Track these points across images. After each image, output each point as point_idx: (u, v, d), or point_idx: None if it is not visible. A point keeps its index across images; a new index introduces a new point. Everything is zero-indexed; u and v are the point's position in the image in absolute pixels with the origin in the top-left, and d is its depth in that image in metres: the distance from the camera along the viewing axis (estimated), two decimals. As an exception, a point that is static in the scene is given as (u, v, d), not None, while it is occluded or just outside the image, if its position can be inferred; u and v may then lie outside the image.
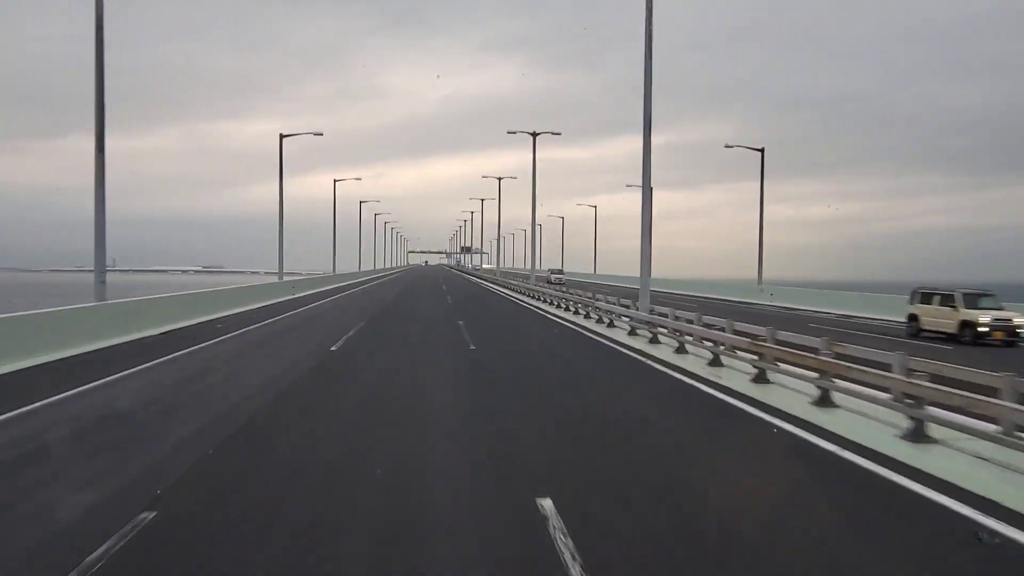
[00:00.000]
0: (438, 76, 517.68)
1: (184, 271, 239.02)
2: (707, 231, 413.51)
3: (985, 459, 7.87)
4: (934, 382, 8.61)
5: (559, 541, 5.57)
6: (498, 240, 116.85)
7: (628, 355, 17.80)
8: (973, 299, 22.99)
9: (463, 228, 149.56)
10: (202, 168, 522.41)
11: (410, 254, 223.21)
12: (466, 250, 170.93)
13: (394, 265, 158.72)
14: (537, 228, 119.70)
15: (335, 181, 68.63)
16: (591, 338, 21.94)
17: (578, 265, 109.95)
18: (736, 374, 13.85)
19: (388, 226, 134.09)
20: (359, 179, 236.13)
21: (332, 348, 18.41)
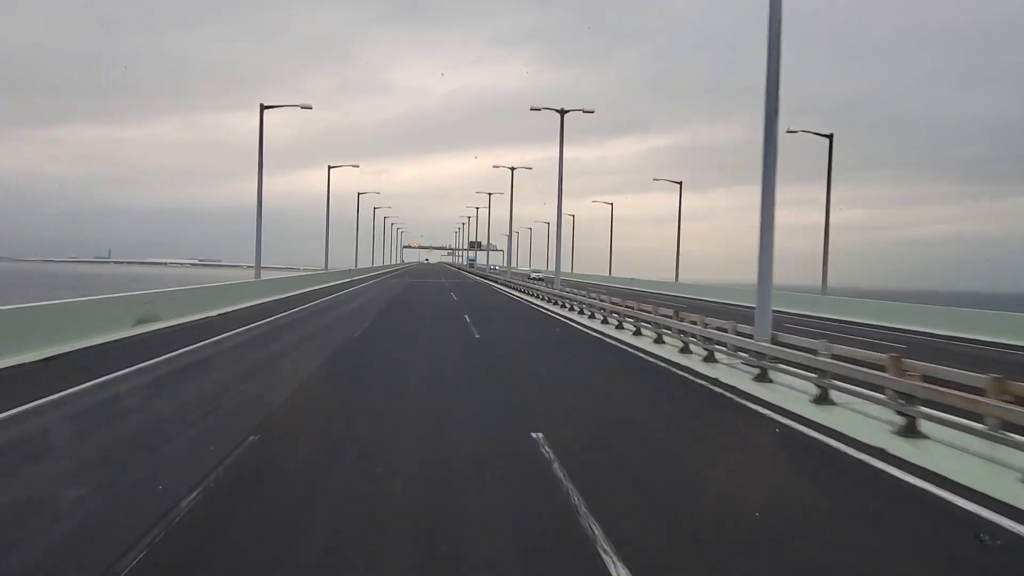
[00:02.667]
0: (442, 74, 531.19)
1: (181, 264, 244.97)
2: (707, 234, 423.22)
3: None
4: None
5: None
6: (509, 236, 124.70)
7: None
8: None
9: (468, 223, 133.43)
10: (200, 159, 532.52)
11: (406, 250, 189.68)
12: (475, 245, 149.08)
13: (389, 263, 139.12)
14: (529, 231, 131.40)
15: (329, 168, 62.27)
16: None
17: (564, 265, 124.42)
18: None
19: (386, 220, 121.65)
20: (359, 168, 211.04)
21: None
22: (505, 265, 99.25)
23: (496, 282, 70.07)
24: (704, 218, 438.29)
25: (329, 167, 59.01)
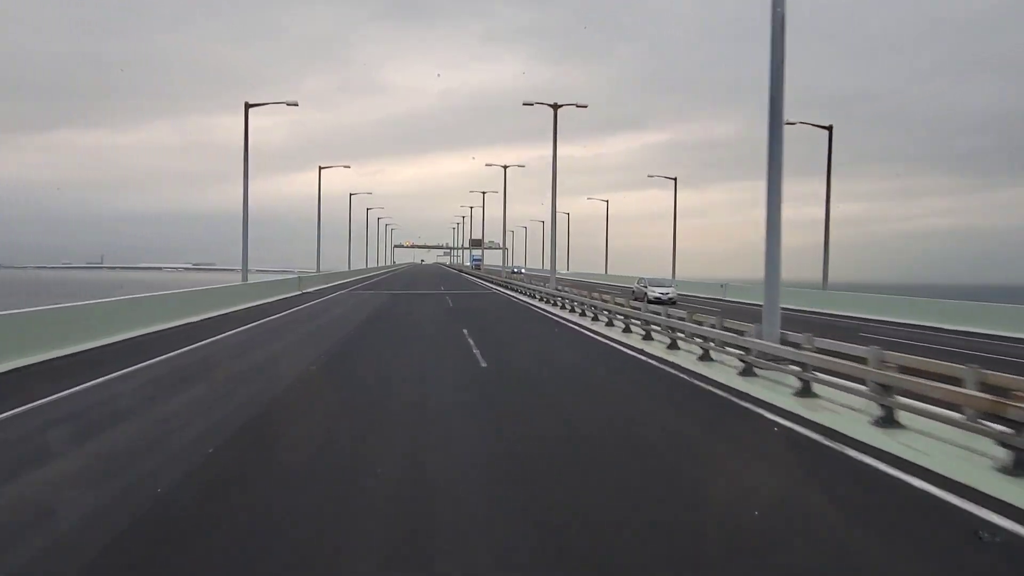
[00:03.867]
0: (439, 75, 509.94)
1: (175, 268, 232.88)
2: (705, 231, 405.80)
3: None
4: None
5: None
6: (503, 235, 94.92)
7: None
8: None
9: (472, 213, 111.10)
10: (194, 163, 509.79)
11: (398, 250, 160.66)
12: (477, 243, 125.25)
13: (378, 265, 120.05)
14: (539, 225, 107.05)
15: (256, 110, 55.35)
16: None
17: (572, 264, 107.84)
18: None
19: (369, 212, 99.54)
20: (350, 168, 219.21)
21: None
22: (549, 268, 48.16)
23: (533, 296, 39.92)
24: (699, 215, 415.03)
25: (247, 104, 34.57)
